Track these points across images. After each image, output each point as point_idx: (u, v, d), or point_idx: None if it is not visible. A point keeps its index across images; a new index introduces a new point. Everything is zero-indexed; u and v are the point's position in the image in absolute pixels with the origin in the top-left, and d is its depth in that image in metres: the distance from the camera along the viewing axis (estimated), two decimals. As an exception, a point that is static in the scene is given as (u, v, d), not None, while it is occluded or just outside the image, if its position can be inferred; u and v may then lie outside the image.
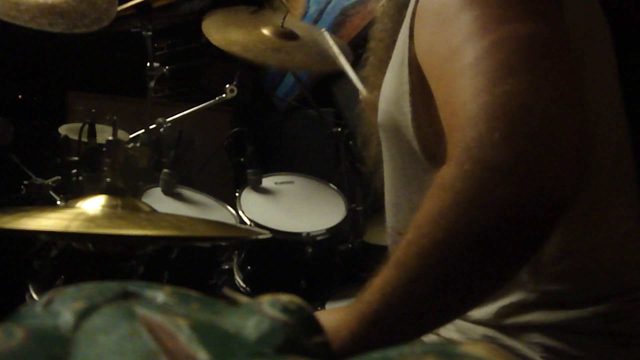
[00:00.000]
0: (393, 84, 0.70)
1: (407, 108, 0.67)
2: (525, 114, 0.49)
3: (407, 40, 0.66)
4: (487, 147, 0.48)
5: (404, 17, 0.69)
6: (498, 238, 0.49)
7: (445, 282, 0.51)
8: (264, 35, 1.72)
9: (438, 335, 0.71)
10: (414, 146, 0.68)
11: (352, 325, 0.54)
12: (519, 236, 0.50)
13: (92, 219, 0.86)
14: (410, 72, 0.66)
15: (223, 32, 1.69)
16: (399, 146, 0.73)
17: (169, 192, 1.56)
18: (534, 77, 0.51)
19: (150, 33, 1.83)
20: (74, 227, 0.79)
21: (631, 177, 0.70)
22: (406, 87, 0.67)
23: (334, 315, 0.58)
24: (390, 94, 0.71)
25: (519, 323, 0.65)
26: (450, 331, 0.70)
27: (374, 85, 0.82)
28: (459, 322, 0.70)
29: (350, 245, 1.57)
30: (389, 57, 0.73)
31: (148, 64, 1.82)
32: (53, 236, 1.05)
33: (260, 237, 1.15)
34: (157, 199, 1.52)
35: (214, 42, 1.62)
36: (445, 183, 0.51)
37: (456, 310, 0.56)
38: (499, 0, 0.57)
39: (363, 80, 0.98)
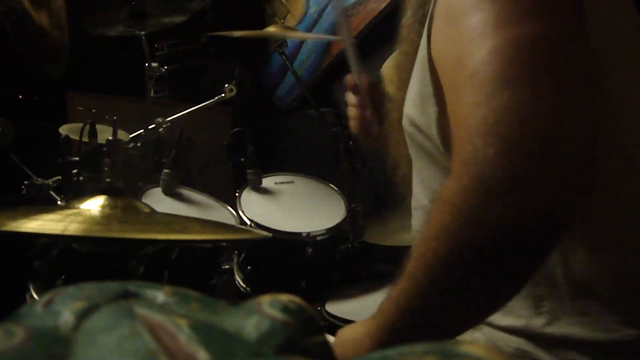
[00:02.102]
0: (417, 88, 0.69)
1: (431, 109, 0.66)
2: (518, 129, 0.48)
3: (426, 43, 0.65)
4: (483, 163, 0.48)
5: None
6: (494, 255, 0.49)
7: (450, 295, 0.51)
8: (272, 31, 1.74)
9: None
10: (438, 149, 0.67)
11: (374, 335, 0.56)
12: (516, 253, 0.49)
13: (90, 221, 0.86)
14: (432, 74, 0.64)
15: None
16: (424, 151, 0.71)
17: (169, 192, 1.56)
18: (530, 88, 0.49)
19: (143, 33, 1.84)
20: (72, 229, 0.79)
21: None
22: (429, 89, 0.65)
23: (358, 328, 0.60)
24: (415, 98, 0.70)
25: (556, 335, 0.62)
26: (476, 339, 0.68)
27: (398, 102, 0.80)
28: (488, 331, 0.67)
29: (350, 245, 1.57)
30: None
31: (147, 64, 1.83)
32: (50, 238, 1.05)
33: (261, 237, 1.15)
34: (157, 199, 1.52)
35: (247, 35, 1.62)
36: (446, 198, 0.51)
37: (468, 319, 0.56)
38: (507, 1, 0.53)
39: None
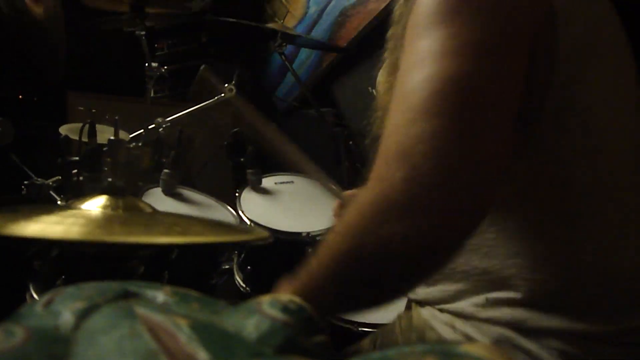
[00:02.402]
0: None
1: None
2: (425, 161, 0.52)
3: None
4: (388, 184, 0.54)
5: None
6: (381, 264, 0.55)
7: (344, 283, 0.58)
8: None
9: (453, 327, 0.72)
10: None
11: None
12: (398, 268, 0.55)
13: (92, 224, 0.86)
14: None
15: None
16: None
17: (169, 192, 1.56)
18: (446, 124, 0.53)
19: (143, 33, 1.84)
20: (74, 232, 0.78)
21: None
22: None
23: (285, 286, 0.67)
24: None
25: (539, 327, 0.65)
26: (466, 326, 0.70)
27: (386, 87, 0.82)
28: (476, 321, 0.69)
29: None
30: None
31: (147, 64, 1.83)
32: (52, 243, 1.04)
33: (262, 242, 1.15)
34: (157, 200, 1.52)
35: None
36: (357, 203, 0.57)
37: (362, 305, 0.62)
38: (456, 31, 0.57)
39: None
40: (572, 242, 0.65)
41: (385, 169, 0.55)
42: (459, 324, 0.71)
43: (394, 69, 0.77)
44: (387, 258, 0.54)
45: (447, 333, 0.72)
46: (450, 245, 0.56)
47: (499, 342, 0.66)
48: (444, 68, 0.55)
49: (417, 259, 0.55)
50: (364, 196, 0.57)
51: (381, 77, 0.87)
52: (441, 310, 0.75)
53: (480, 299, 0.70)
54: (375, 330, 1.17)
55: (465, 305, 0.71)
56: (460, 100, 0.54)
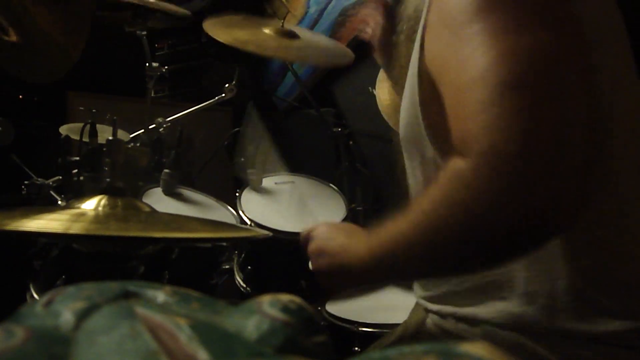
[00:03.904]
0: (409, 96, 0.72)
1: (421, 120, 0.69)
2: (535, 128, 0.53)
3: (418, 52, 0.68)
4: (501, 156, 0.53)
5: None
6: (492, 236, 0.56)
7: (434, 256, 0.60)
8: (268, 34, 1.72)
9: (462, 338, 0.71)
10: (434, 156, 0.70)
11: (367, 251, 0.68)
12: (509, 240, 0.56)
13: (92, 220, 0.86)
14: (421, 82, 0.68)
15: (229, 33, 1.68)
16: (421, 158, 0.74)
17: (170, 192, 1.56)
18: (537, 91, 0.54)
19: (144, 33, 1.84)
20: (74, 228, 0.79)
21: None
22: (416, 98, 0.69)
23: (356, 236, 0.71)
24: (408, 106, 0.73)
25: (547, 329, 0.65)
26: (475, 336, 0.70)
27: (391, 98, 0.83)
28: (486, 327, 0.70)
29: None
30: None
31: (147, 64, 1.83)
32: (52, 238, 1.05)
33: (261, 236, 1.15)
34: (157, 199, 1.52)
35: (225, 42, 1.60)
36: (460, 177, 0.57)
37: (443, 273, 0.68)
38: (509, 10, 0.57)
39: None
40: (581, 241, 0.65)
41: (490, 143, 0.54)
42: (468, 332, 0.71)
43: (401, 71, 0.77)
44: (498, 233, 0.55)
45: None
46: (571, 208, 0.55)
47: (510, 348, 0.66)
48: (513, 43, 0.55)
49: (530, 231, 0.55)
50: (462, 171, 0.56)
51: (382, 88, 0.87)
52: (444, 317, 0.75)
53: (486, 299, 0.70)
54: (375, 330, 1.17)
55: (472, 308, 0.71)
56: (548, 67, 0.55)
